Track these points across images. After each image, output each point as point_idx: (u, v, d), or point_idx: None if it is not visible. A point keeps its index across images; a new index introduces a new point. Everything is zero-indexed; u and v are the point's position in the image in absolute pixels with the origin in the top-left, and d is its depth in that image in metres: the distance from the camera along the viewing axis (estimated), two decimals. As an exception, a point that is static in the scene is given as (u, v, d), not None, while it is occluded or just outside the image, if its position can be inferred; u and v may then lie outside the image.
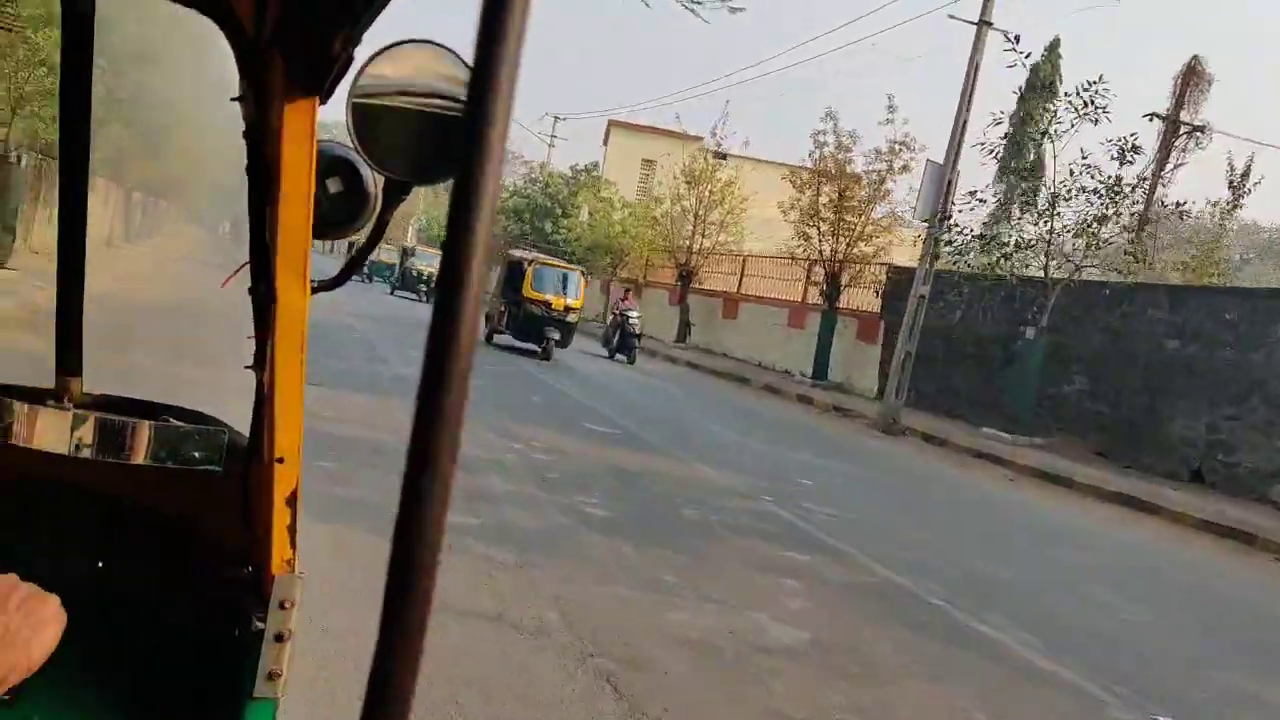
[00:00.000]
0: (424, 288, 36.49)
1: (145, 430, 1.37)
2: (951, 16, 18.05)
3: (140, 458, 1.37)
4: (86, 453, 1.34)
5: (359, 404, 10.20)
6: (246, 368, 1.34)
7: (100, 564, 1.40)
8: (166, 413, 1.47)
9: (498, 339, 21.44)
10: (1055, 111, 16.07)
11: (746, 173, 29.97)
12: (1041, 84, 51.31)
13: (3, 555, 1.08)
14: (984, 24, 17.87)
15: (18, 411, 1.32)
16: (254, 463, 1.36)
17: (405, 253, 39.60)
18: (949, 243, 17.04)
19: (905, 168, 22.65)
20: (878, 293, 22.84)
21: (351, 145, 1.13)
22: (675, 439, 12.00)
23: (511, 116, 0.41)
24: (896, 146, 22.41)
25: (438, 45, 1.11)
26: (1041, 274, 17.16)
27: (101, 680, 1.37)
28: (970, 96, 17.90)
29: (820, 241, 22.96)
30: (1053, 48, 48.65)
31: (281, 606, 1.29)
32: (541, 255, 22.91)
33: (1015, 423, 17.52)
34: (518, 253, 22.85)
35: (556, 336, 19.84)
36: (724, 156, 30.43)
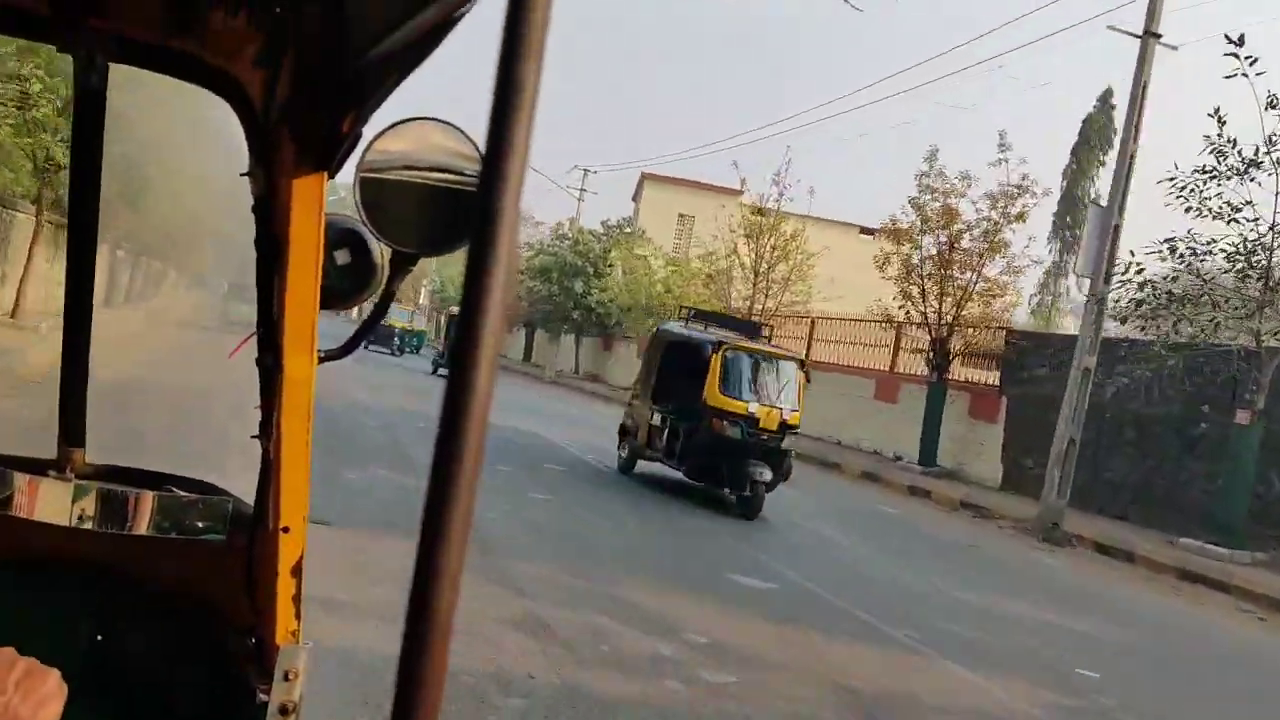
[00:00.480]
0: None
1: (148, 501, 1.34)
2: (1111, 28, 14.71)
3: (143, 529, 1.33)
4: (89, 524, 1.31)
5: (391, 562, 6.42)
6: (252, 437, 1.30)
7: (100, 637, 1.36)
8: (170, 482, 1.44)
9: (644, 467, 12.94)
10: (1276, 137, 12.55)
11: (807, 227, 26.57)
12: (1096, 135, 48.34)
13: (2, 629, 1.07)
14: (1151, 35, 14.52)
15: (18, 483, 1.29)
16: (259, 533, 1.33)
17: (451, 320, 30.43)
18: (1139, 303, 13.44)
19: (1021, 215, 19.18)
20: (996, 362, 19.21)
21: (358, 217, 1.17)
22: (849, 589, 8.29)
23: (524, 186, 0.41)
24: (1012, 190, 18.95)
25: (441, 121, 1.17)
26: (1244, 340, 13.50)
27: None
28: (1138, 124, 14.48)
29: (925, 302, 19.34)
30: (1105, 99, 45.87)
31: (286, 678, 1.24)
32: (733, 335, 12.53)
33: (1207, 527, 13.78)
34: (681, 328, 13.33)
35: (767, 477, 11.11)
36: (762, 213, 26.99)
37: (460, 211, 1.13)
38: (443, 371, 27.08)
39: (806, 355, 25.82)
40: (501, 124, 0.40)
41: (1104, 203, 14.58)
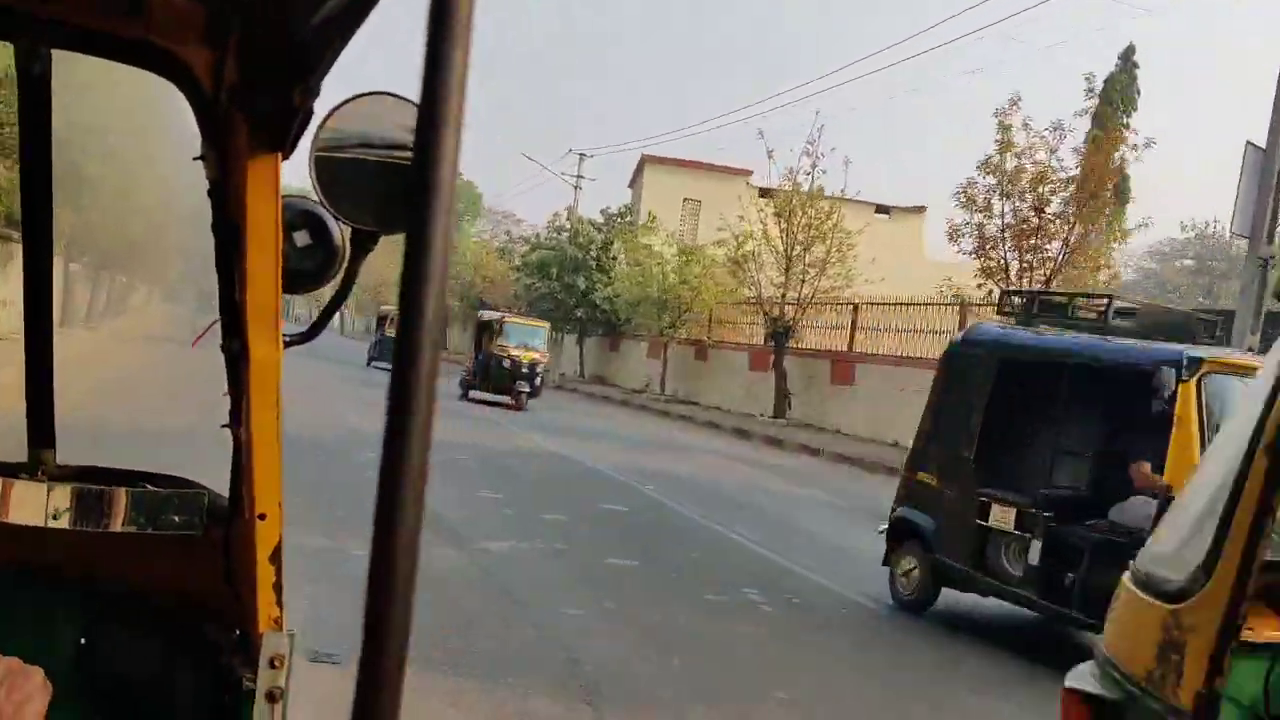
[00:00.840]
0: (527, 386, 21.05)
1: (122, 497, 1.33)
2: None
3: (118, 525, 1.33)
4: (63, 522, 1.30)
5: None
6: (223, 426, 1.28)
7: (83, 640, 1.35)
8: (144, 479, 1.43)
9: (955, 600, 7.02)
10: None
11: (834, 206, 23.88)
12: (1119, 96, 45.80)
13: None
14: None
15: None
16: (235, 521, 1.31)
17: (484, 329, 22.40)
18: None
19: (1117, 171, 16.56)
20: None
21: (316, 198, 1.19)
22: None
23: (459, 159, 0.41)
24: (1105, 143, 16.28)
25: (395, 96, 1.15)
26: None
27: None
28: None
29: (1007, 279, 16.64)
30: (1127, 56, 43.32)
31: (271, 665, 1.24)
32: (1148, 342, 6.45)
33: None
34: (1026, 334, 6.84)
35: None
36: (768, 194, 24.46)
37: None
38: (475, 395, 21.76)
39: (849, 346, 23.17)
40: (433, 95, 0.39)
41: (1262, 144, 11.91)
